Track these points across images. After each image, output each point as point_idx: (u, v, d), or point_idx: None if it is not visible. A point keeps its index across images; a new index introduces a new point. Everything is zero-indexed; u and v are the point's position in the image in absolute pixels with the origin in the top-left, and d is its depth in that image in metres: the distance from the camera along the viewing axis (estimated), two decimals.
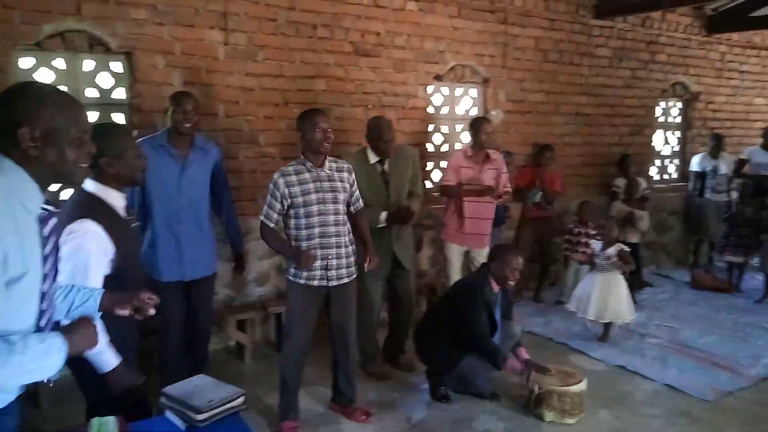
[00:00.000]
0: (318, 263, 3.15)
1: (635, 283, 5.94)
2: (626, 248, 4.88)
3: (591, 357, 4.50)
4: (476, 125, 4.49)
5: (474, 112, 5.74)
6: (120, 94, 4.17)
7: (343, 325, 3.37)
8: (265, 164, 4.57)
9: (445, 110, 5.62)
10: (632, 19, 6.54)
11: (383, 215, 3.85)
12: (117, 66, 4.13)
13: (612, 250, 4.75)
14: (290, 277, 3.25)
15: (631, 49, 6.62)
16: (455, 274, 4.55)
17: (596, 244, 4.88)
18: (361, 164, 3.85)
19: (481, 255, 4.52)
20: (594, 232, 5.23)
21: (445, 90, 5.64)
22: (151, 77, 4.11)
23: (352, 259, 3.31)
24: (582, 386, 3.56)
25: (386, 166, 3.94)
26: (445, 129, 5.65)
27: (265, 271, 4.70)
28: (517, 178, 5.57)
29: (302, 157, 3.21)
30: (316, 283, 3.20)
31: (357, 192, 3.40)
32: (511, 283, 3.68)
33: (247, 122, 4.52)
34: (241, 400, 2.10)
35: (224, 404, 2.04)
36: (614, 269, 4.74)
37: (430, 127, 5.51)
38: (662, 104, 7.25)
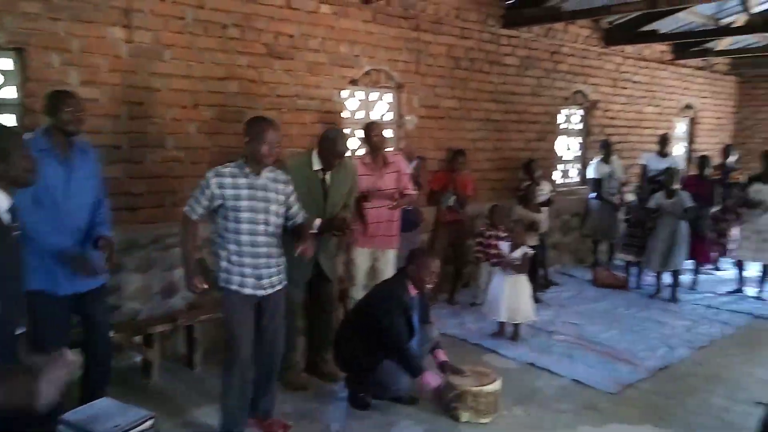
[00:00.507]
0: (249, 270, 3.07)
1: (541, 283, 6.24)
2: (531, 251, 5.06)
3: (503, 356, 4.65)
4: (366, 130, 4.55)
5: (389, 117, 5.79)
6: (9, 93, 3.83)
7: (274, 334, 3.28)
8: (173, 169, 4.37)
9: (360, 115, 5.62)
10: (537, 30, 6.85)
11: (317, 222, 3.77)
12: (6, 63, 3.80)
13: (518, 253, 4.92)
14: (222, 283, 3.13)
15: (536, 59, 6.92)
16: (361, 277, 4.56)
17: (504, 246, 5.04)
18: (304, 168, 3.82)
19: (388, 256, 4.56)
20: (504, 235, 5.41)
21: (360, 94, 5.64)
22: (45, 76, 3.80)
23: (282, 268, 3.25)
24: (496, 385, 3.65)
25: (328, 176, 3.90)
26: (361, 134, 5.65)
27: (174, 281, 4.48)
28: (431, 182, 5.67)
29: (242, 161, 3.11)
30: (248, 291, 3.11)
31: (296, 207, 3.28)
32: (429, 286, 3.72)
33: (153, 125, 4.29)
34: (149, 423, 1.98)
35: (132, 429, 1.91)
36: (520, 271, 4.91)
37: (346, 132, 5.49)
38: (564, 111, 7.64)
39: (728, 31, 7.95)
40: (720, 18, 8.08)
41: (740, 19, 7.79)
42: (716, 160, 7.64)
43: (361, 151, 5.29)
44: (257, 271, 3.11)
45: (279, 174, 3.22)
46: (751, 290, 6.53)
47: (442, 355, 3.82)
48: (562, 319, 5.54)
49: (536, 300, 5.46)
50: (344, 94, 5.39)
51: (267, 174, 3.13)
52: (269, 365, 3.33)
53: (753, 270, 6.62)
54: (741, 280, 6.57)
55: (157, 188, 4.31)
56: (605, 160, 7.23)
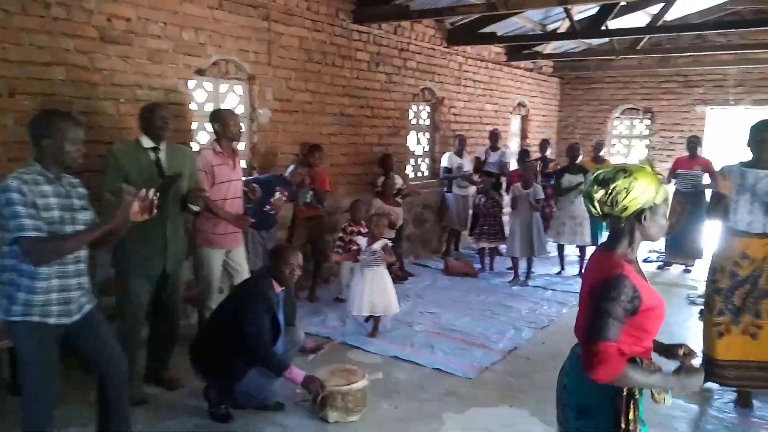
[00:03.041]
0: (54, 296, 2.55)
1: (398, 275, 6.38)
2: (389, 243, 5.14)
3: (367, 351, 4.66)
4: (225, 117, 4.28)
5: (240, 110, 5.51)
6: None
7: (105, 348, 2.80)
8: None
9: (209, 107, 5.27)
10: (386, 27, 6.95)
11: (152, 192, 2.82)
12: None
13: (377, 245, 4.96)
14: (15, 318, 2.51)
15: (386, 55, 7.03)
16: (216, 280, 4.31)
17: (362, 241, 5.04)
18: (131, 150, 3.54)
19: (241, 253, 4.39)
20: (366, 231, 5.42)
21: (209, 85, 5.30)
22: None
23: (89, 283, 2.76)
24: (364, 382, 3.63)
25: (161, 155, 3.60)
26: (210, 127, 5.30)
27: None
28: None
29: (37, 164, 2.54)
30: (53, 321, 2.56)
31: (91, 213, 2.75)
32: (294, 279, 3.59)
33: None
34: None
35: None
36: (380, 264, 4.96)
37: (194, 125, 5.13)
38: (414, 107, 7.87)
39: (555, 36, 8.72)
40: (546, 24, 8.85)
41: (564, 26, 8.58)
42: (537, 154, 8.47)
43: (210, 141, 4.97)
44: (65, 295, 2.59)
45: (73, 179, 2.72)
46: (571, 270, 7.24)
47: (309, 357, 3.73)
48: (420, 310, 5.70)
49: None
50: (191, 84, 5.02)
51: (64, 178, 2.63)
52: (116, 382, 2.84)
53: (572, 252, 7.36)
54: (562, 262, 7.28)
55: None
56: (458, 153, 7.61)
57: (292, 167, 5.38)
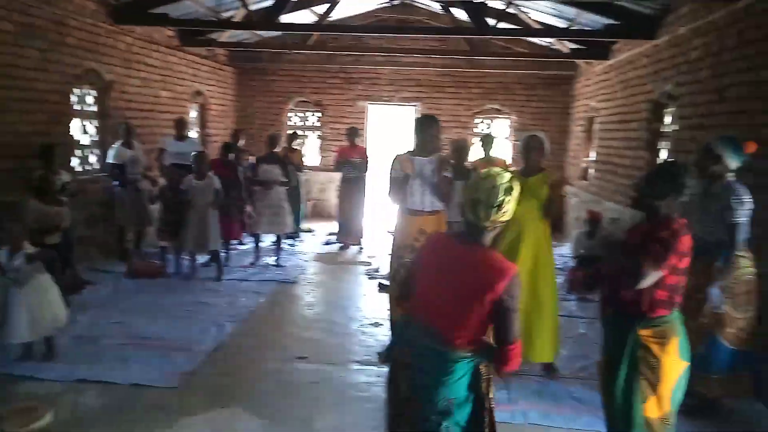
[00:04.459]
0: None
1: (71, 284, 5.51)
2: (32, 251, 4.15)
3: (44, 380, 3.91)
4: None
5: None
6: None
7: None
8: None
9: None
10: None
11: None
12: None
13: (19, 260, 4.04)
14: None
15: (39, 28, 5.94)
16: None
17: (1, 253, 4.09)
18: None
19: None
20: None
21: None
22: None
23: None
24: (48, 418, 3.05)
25: None
26: None
27: None
28: None
29: None
30: None
31: None
32: None
33: None
34: None
35: None
36: (35, 274, 4.13)
37: None
38: (77, 91, 6.87)
39: (230, 24, 8.62)
40: (220, 11, 8.68)
41: (239, 15, 8.55)
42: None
43: None
44: None
45: None
46: (269, 259, 7.41)
47: None
48: (106, 320, 5.05)
49: (68, 304, 4.76)
50: None
51: None
52: None
53: (268, 241, 7.53)
54: (258, 252, 7.38)
55: None
56: (127, 144, 6.91)
57: None
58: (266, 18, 7.91)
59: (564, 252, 8.25)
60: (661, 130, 6.75)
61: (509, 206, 2.05)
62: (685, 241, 2.49)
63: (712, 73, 5.21)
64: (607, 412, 2.75)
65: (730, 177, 3.58)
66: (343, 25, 9.95)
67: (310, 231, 9.69)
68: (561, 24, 8.56)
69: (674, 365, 2.54)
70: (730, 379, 3.65)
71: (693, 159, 3.74)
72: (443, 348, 2.04)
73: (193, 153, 6.56)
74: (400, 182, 4.20)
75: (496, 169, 2.12)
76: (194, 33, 9.03)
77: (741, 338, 3.62)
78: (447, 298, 2.04)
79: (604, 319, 2.78)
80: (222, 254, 6.91)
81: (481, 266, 2.03)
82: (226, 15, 8.75)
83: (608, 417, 2.75)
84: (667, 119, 6.64)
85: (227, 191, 6.74)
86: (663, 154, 6.71)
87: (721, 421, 3.66)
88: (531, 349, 4.06)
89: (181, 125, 7.55)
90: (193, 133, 9.75)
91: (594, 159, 9.20)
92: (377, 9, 10.50)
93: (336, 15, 9.67)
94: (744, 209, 3.47)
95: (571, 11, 7.75)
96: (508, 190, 2.05)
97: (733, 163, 3.57)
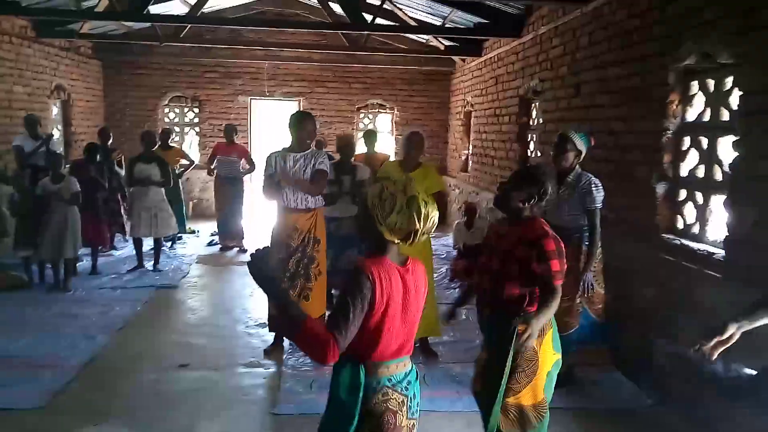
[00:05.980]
0: None
1: None
2: None
3: None
4: None
5: None
6: None
7: None
8: None
9: None
10: None
11: None
12: None
13: None
14: None
15: None
16: None
17: None
18: None
19: None
20: None
21: None
22: None
23: None
24: None
25: None
26: None
27: None
28: None
29: None
30: None
31: None
32: None
33: None
34: None
35: None
36: None
37: None
38: None
39: (91, 14, 8.01)
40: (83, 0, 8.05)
41: (102, 5, 7.97)
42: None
43: None
44: None
45: None
46: (147, 264, 7.02)
47: None
48: None
49: None
50: None
51: None
52: None
53: (148, 245, 7.13)
54: (140, 257, 6.97)
55: None
56: None
57: None
58: (132, 8, 7.44)
59: (447, 242, 8.57)
60: (530, 123, 7.20)
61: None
62: (557, 243, 2.59)
63: (570, 71, 5.64)
64: (481, 401, 2.82)
65: (577, 167, 3.90)
66: (216, 18, 9.62)
67: (194, 232, 9.31)
68: (435, 21, 8.85)
69: (548, 357, 2.67)
70: (590, 351, 3.99)
71: (552, 151, 4.01)
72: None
73: (41, 151, 6.07)
74: (273, 180, 4.19)
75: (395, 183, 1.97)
76: (52, 23, 8.32)
77: (600, 312, 3.98)
78: None
79: (481, 322, 2.81)
80: (88, 263, 6.48)
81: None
82: (87, 4, 8.12)
83: (481, 403, 2.81)
84: (534, 113, 7.10)
85: (92, 194, 6.31)
86: (532, 147, 7.17)
87: (584, 394, 3.93)
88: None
89: (32, 123, 6.91)
90: (55, 132, 9.00)
91: (472, 152, 9.62)
92: (254, 1, 10.25)
93: (210, 5, 9.30)
94: (600, 195, 3.79)
95: (444, 9, 8.03)
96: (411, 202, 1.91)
97: (583, 153, 3.89)
